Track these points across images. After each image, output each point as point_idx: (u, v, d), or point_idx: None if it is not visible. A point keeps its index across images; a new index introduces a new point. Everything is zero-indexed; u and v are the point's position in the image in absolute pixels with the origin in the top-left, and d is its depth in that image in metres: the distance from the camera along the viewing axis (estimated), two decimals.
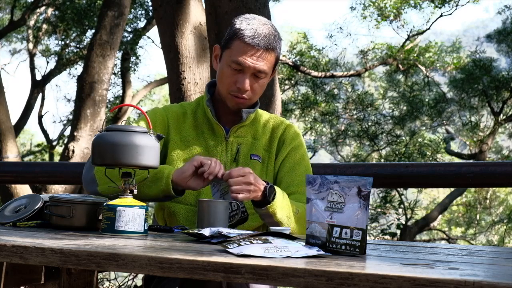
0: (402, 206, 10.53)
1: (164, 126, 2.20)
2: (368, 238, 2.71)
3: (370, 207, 6.12)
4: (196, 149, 2.19)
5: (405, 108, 12.33)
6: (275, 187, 2.03)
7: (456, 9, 11.82)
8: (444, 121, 13.20)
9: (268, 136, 2.25)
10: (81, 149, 7.43)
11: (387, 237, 9.47)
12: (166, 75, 5.49)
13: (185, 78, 4.49)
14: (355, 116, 12.20)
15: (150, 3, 11.75)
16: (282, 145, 2.24)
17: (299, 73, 11.58)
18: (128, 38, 11.87)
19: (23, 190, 7.72)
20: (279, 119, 2.31)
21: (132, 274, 4.67)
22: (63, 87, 40.69)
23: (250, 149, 2.21)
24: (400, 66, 12.08)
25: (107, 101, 10.32)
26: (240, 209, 2.06)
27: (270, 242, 1.47)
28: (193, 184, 1.96)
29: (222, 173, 1.94)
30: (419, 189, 12.09)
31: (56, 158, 15.15)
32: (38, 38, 13.74)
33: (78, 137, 7.48)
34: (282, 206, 2.02)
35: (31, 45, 14.21)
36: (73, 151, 7.37)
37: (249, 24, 2.10)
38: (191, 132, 2.21)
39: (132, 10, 11.55)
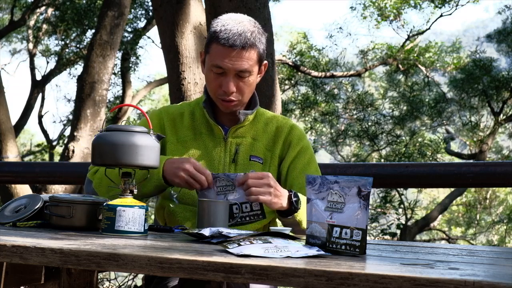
0: (402, 206, 10.53)
1: (158, 130, 2.20)
2: (368, 238, 2.71)
3: (370, 207, 6.11)
4: (194, 150, 2.18)
5: (405, 108, 12.34)
6: (298, 193, 2.01)
7: (456, 9, 11.84)
8: (444, 121, 13.20)
9: (271, 136, 2.22)
10: (81, 149, 7.43)
11: (387, 237, 9.48)
12: (166, 75, 5.49)
13: (185, 78, 4.49)
14: (355, 116, 12.20)
15: (150, 3, 11.75)
16: (289, 147, 2.21)
17: (299, 73, 11.59)
18: (128, 38, 11.87)
19: (23, 190, 7.72)
20: (283, 119, 2.28)
21: (132, 274, 4.67)
22: (63, 87, 40.75)
23: (249, 150, 2.19)
24: (400, 66, 12.09)
25: (107, 101, 10.32)
26: (240, 213, 2.04)
27: (270, 242, 1.47)
28: (181, 185, 2.01)
29: (210, 183, 1.97)
30: (419, 189, 12.09)
31: (56, 158, 15.16)
32: (38, 38, 13.74)
33: (78, 137, 7.48)
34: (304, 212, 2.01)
35: (31, 45, 14.22)
36: (73, 151, 7.37)
37: (223, 26, 2.07)
38: (188, 133, 2.20)
39: (132, 10, 11.54)
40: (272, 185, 1.91)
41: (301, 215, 1.98)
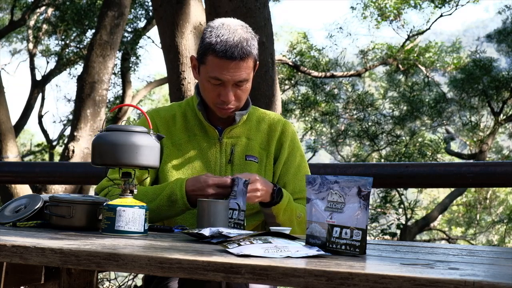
0: (402, 206, 10.53)
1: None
2: (368, 238, 2.71)
3: (370, 207, 6.12)
4: (189, 152, 2.17)
5: (405, 108, 12.33)
6: (283, 190, 2.07)
7: (456, 9, 11.83)
8: (444, 121, 13.19)
9: (264, 134, 2.23)
10: (81, 149, 7.43)
11: (387, 237, 9.48)
12: (166, 75, 5.49)
13: (185, 78, 4.48)
14: (355, 116, 12.20)
15: (150, 3, 11.75)
16: (281, 147, 2.22)
17: (299, 73, 11.58)
18: (128, 38, 11.87)
19: (23, 190, 7.72)
20: (275, 116, 2.28)
21: (132, 274, 4.67)
22: (63, 87, 40.71)
23: (245, 150, 2.19)
24: (400, 66, 12.09)
25: (107, 101, 10.32)
26: (237, 219, 2.05)
27: (270, 242, 1.47)
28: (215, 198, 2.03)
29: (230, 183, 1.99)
30: (419, 189, 12.09)
31: (56, 158, 15.16)
32: (38, 38, 13.74)
33: (78, 137, 7.48)
34: (285, 209, 2.06)
35: (31, 45, 14.22)
36: (73, 151, 7.38)
37: (218, 36, 2.03)
38: (182, 136, 2.19)
39: (132, 10, 11.54)
40: (259, 188, 1.98)
41: (279, 210, 2.05)
